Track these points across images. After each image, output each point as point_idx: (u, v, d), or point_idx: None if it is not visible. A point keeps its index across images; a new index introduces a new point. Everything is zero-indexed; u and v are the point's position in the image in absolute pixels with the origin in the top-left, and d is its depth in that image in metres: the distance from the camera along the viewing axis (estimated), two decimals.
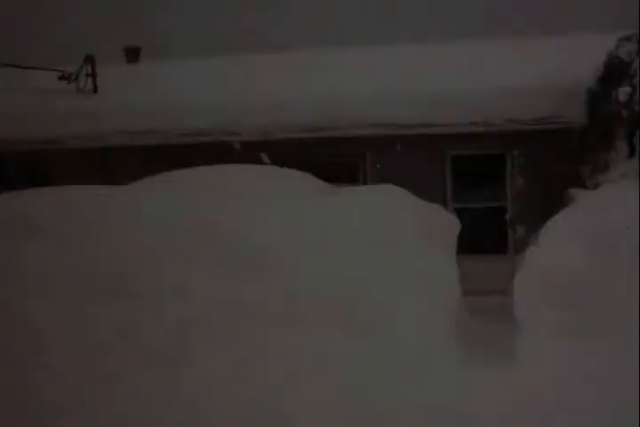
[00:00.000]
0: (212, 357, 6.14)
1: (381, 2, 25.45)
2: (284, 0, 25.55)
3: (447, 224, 7.76)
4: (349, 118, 12.19)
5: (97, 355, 6.17)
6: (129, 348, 6.17)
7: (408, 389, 6.00)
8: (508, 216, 12.14)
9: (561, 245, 6.72)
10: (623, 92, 10.76)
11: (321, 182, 8.54)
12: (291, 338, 6.21)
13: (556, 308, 6.39)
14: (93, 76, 14.25)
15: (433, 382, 6.05)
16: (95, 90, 14.20)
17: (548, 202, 10.68)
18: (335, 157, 12.52)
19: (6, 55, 14.33)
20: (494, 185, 12.32)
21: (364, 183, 12.27)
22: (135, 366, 6.10)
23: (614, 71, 11.17)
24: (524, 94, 11.74)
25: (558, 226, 7.02)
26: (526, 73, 12.10)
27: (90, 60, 14.34)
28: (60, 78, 14.12)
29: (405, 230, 7.07)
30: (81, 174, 11.39)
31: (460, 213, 9.97)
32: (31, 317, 6.36)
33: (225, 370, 6.09)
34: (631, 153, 10.80)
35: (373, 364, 6.13)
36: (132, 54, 17.56)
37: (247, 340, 6.21)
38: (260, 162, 11.71)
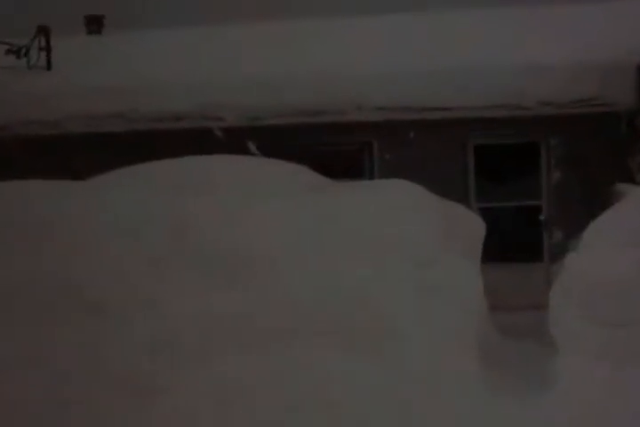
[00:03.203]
0: (190, 381, 6.15)
1: None
2: None
3: (470, 226, 7.79)
4: (352, 100, 12.20)
5: (55, 382, 6.17)
6: (92, 373, 6.18)
7: (422, 422, 6.00)
8: (542, 217, 12.16)
9: (607, 251, 6.73)
10: None
11: (319, 176, 8.57)
12: (281, 359, 6.23)
13: (601, 325, 6.40)
14: (48, 50, 14.24)
15: (452, 414, 6.05)
16: (49, 67, 14.19)
17: (591, 200, 10.70)
18: (336, 147, 12.54)
19: None
20: (526, 180, 12.33)
21: (371, 178, 12.29)
22: (100, 395, 6.11)
23: None
24: (562, 72, 11.75)
25: (604, 228, 7.03)
26: (564, 46, 12.11)
27: (43, 30, 14.33)
28: (8, 52, 14.13)
29: (420, 234, 7.10)
30: (33, 167, 11.39)
31: (484, 213, 9.98)
32: None
33: (204, 396, 6.11)
34: None
35: (379, 391, 6.13)
36: (94, 24, 17.56)
37: (230, 360, 6.22)
38: (246, 152, 11.73)
